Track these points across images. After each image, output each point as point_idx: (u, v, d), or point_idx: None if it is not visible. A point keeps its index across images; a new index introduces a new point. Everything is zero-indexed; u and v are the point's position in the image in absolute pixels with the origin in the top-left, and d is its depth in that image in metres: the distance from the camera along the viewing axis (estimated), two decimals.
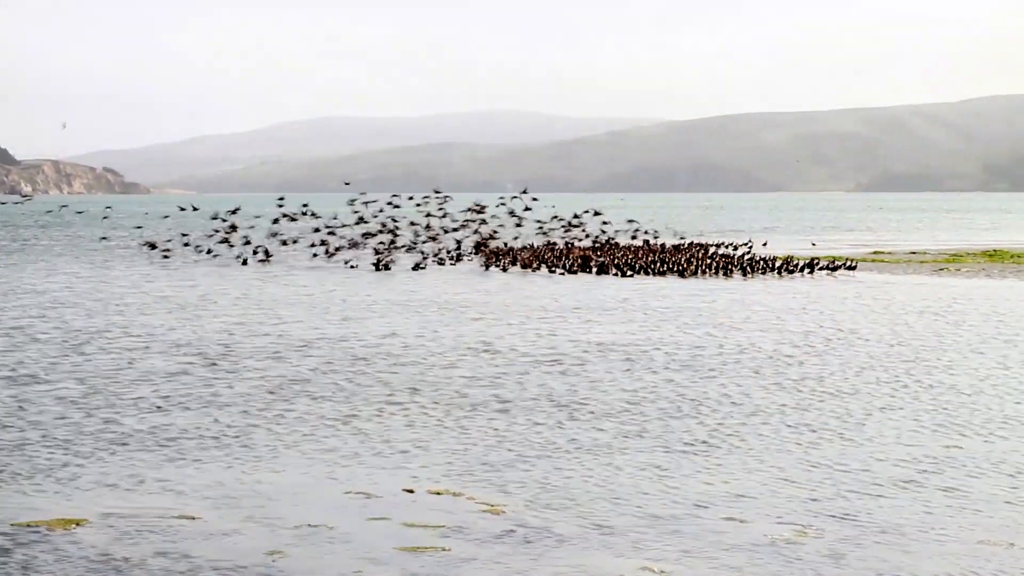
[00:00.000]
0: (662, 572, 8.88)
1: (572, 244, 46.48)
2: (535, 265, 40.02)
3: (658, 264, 38.37)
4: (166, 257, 45.75)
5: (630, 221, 52.38)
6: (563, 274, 37.88)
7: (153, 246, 48.75)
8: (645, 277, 36.71)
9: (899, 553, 9.36)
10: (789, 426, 13.99)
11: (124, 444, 13.00)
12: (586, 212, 51.17)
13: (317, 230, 47.41)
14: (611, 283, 34.59)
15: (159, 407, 15.07)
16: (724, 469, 11.93)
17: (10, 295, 30.90)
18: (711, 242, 51.45)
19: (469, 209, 48.29)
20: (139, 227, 70.50)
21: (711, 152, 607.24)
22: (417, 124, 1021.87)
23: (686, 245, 48.17)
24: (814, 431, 13.73)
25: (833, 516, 10.30)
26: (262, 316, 25.57)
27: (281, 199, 50.84)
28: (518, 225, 47.89)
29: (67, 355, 19.54)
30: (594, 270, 38.62)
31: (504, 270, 39.58)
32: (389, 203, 49.38)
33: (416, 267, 39.99)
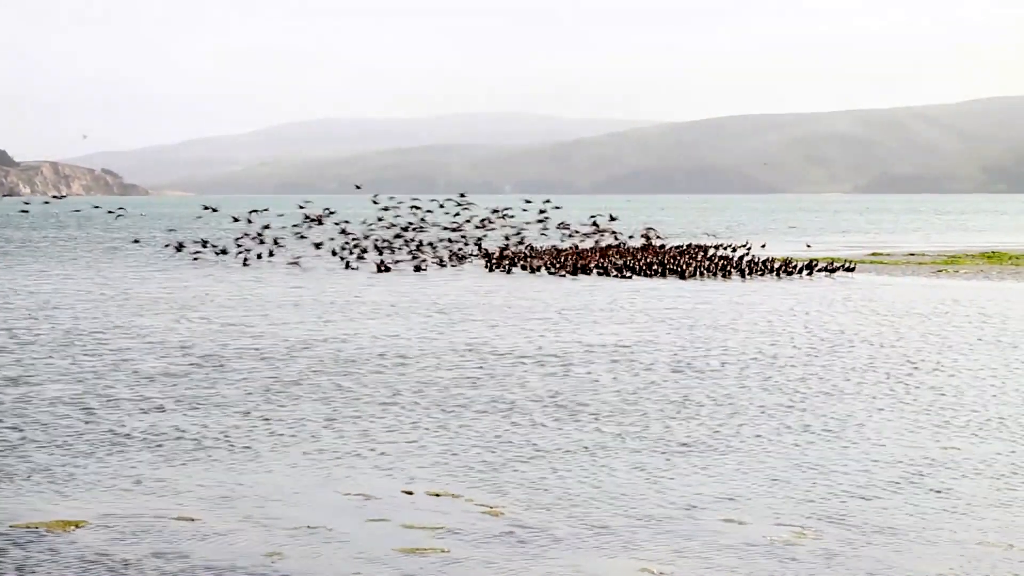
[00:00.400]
0: (661, 574, 8.90)
1: (577, 246, 46.77)
2: (537, 267, 40.04)
3: (657, 266, 38.40)
4: (196, 259, 45.54)
5: (649, 228, 53.18)
6: (564, 276, 37.90)
7: (181, 247, 48.56)
8: (645, 279, 36.73)
9: (897, 555, 9.39)
10: (785, 427, 14.01)
11: (121, 445, 13.02)
12: (593, 217, 51.56)
13: (343, 231, 47.77)
14: (611, 285, 34.61)
15: (153, 409, 15.09)
16: (721, 470, 11.96)
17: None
18: (710, 243, 51.54)
19: (494, 211, 49.18)
20: (172, 230, 70.12)
21: (710, 153, 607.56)
22: (415, 126, 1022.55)
23: (685, 247, 48.31)
24: (810, 432, 13.75)
25: (830, 517, 10.33)
26: (260, 318, 25.59)
27: (308, 201, 51.19)
28: (544, 232, 48.57)
29: (77, 355, 19.56)
30: (595, 272, 38.66)
31: (507, 272, 39.65)
32: (414, 206, 49.92)
33: (417, 269, 40.02)
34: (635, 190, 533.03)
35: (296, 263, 42.75)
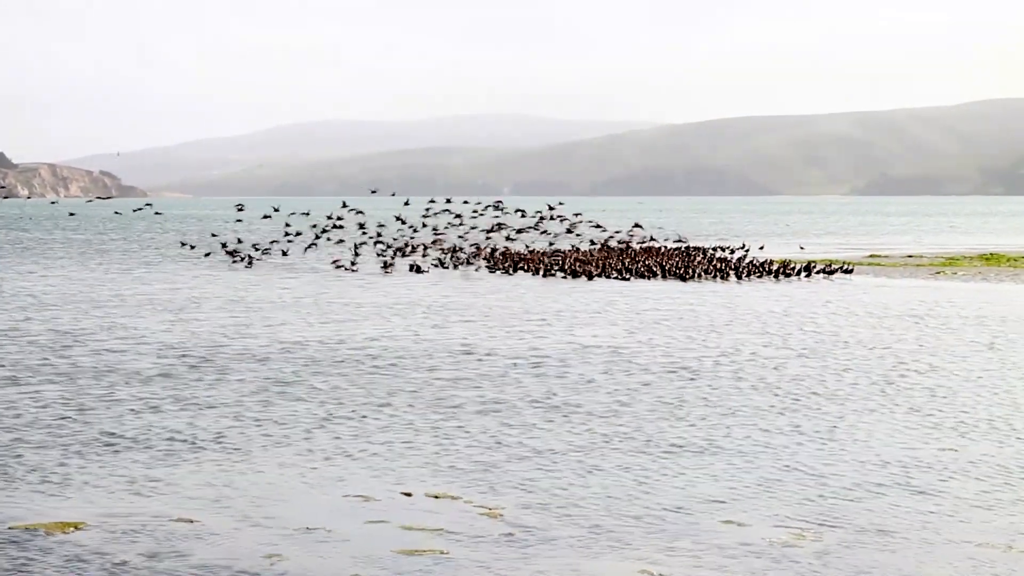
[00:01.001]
0: (660, 575, 8.95)
1: (577, 247, 47.18)
2: (538, 268, 40.08)
3: (656, 268, 38.43)
4: (243, 262, 44.31)
5: (717, 244, 54.06)
6: (565, 278, 37.91)
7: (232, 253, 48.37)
8: (645, 280, 36.75)
9: (892, 556, 9.41)
10: (780, 429, 14.04)
11: (119, 446, 13.04)
12: (597, 225, 52.27)
13: (377, 236, 48.35)
14: (610, 287, 34.64)
15: (151, 410, 15.11)
16: (719, 472, 11.98)
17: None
18: (709, 246, 51.67)
19: (517, 210, 50.76)
20: (215, 235, 69.30)
21: (708, 155, 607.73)
22: (415, 127, 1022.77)
23: (683, 249, 48.45)
24: (805, 434, 13.78)
25: (828, 519, 10.35)
26: (256, 319, 25.61)
27: (344, 205, 51.55)
28: (569, 231, 49.23)
29: (73, 356, 19.59)
30: (595, 274, 38.67)
31: (508, 273, 39.71)
32: (446, 209, 50.64)
33: (417, 270, 40.03)
34: (633, 192, 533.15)
35: (343, 266, 42.29)
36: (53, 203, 77.54)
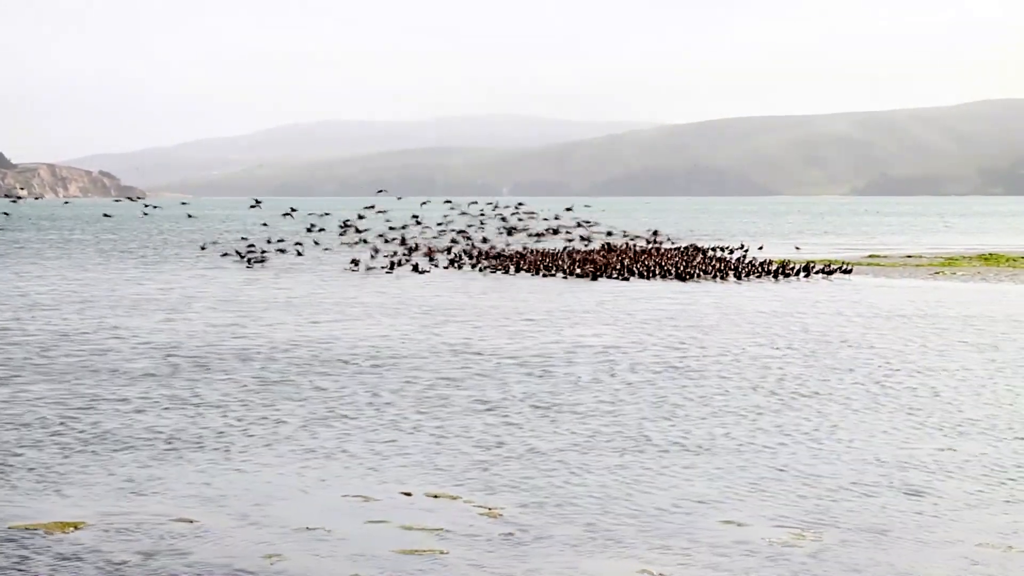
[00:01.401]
0: (660, 574, 8.95)
1: (578, 249, 47.32)
2: (539, 269, 40.12)
3: (655, 268, 38.46)
4: (248, 264, 43.84)
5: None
6: (566, 278, 37.96)
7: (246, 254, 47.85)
8: (644, 281, 36.77)
9: (886, 555, 9.43)
10: (778, 428, 14.05)
11: (119, 446, 13.05)
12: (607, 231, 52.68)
13: (402, 240, 48.66)
14: (609, 287, 34.66)
15: (149, 409, 15.13)
16: (718, 471, 11.99)
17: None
18: (708, 246, 51.71)
19: (530, 214, 52.31)
20: (244, 238, 68.80)
21: (707, 155, 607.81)
22: (414, 127, 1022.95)
23: (682, 248, 48.49)
24: (803, 433, 13.79)
25: (825, 518, 10.36)
26: (256, 318, 25.63)
27: (370, 207, 51.78)
28: (583, 238, 49.48)
29: (71, 355, 19.60)
30: (595, 274, 38.70)
31: (507, 273, 39.74)
32: (464, 212, 51.01)
33: (419, 271, 40.05)
34: (633, 192, 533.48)
35: (369, 267, 42.02)
36: (66, 203, 77.79)
